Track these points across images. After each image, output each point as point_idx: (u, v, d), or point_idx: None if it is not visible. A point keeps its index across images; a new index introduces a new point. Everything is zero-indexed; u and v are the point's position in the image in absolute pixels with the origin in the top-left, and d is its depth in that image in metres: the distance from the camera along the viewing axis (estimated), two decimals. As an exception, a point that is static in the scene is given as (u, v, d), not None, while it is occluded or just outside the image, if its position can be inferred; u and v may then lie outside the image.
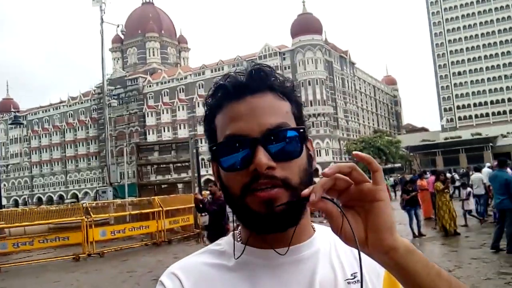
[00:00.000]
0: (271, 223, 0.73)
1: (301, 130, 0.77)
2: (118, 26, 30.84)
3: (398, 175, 45.63)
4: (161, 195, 19.30)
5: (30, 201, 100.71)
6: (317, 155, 74.80)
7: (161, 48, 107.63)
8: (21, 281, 10.73)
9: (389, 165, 63.01)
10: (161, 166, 25.57)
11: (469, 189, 14.28)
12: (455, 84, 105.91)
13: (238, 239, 0.85)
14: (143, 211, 16.31)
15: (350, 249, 0.82)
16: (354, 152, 0.73)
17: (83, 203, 17.09)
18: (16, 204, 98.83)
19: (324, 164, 65.55)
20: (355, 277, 0.81)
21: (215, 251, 0.86)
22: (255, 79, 0.79)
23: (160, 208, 15.88)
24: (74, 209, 15.02)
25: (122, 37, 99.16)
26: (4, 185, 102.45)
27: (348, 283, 0.80)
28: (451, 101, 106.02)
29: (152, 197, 17.26)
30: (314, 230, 0.87)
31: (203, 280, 0.80)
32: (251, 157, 0.73)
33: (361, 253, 0.64)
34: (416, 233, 12.07)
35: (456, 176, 24.54)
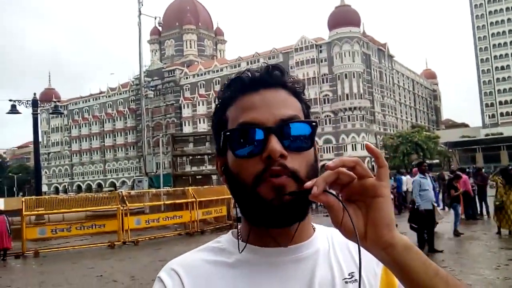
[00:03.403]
0: (279, 215, 0.73)
1: (313, 124, 0.78)
2: (155, 18, 31.25)
3: (437, 173, 44.53)
4: (195, 185, 19.52)
5: (70, 188, 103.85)
6: (353, 150, 73.88)
7: (198, 40, 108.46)
8: (58, 266, 11.06)
9: (427, 161, 61.53)
10: (196, 157, 25.85)
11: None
12: (497, 79, 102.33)
13: (239, 237, 0.85)
14: (177, 201, 16.53)
15: (347, 248, 0.85)
16: (365, 143, 0.75)
17: (120, 191, 17.44)
18: (56, 191, 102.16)
19: (360, 159, 64.48)
20: (352, 276, 0.81)
21: (215, 248, 0.86)
22: (270, 75, 0.82)
23: (194, 199, 16.04)
24: (110, 197, 15.35)
25: (160, 29, 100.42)
26: (45, 172, 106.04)
27: (346, 282, 0.81)
28: (493, 97, 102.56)
29: (186, 188, 17.45)
30: (314, 230, 0.88)
31: (203, 277, 0.80)
32: (264, 145, 0.74)
33: (361, 248, 0.65)
34: (460, 231, 11.61)
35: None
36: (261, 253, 0.81)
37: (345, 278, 0.81)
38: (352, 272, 0.82)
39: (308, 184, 0.67)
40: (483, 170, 20.52)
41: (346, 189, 0.67)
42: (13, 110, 21.76)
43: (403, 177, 19.54)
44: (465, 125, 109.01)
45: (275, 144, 0.73)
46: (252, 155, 0.75)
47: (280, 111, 0.78)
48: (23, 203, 13.29)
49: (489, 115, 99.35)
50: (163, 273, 0.82)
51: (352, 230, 0.64)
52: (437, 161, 66.71)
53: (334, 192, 0.67)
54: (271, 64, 0.84)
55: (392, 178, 19.18)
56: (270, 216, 0.74)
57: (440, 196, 18.81)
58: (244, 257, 0.81)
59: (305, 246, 0.83)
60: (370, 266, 0.81)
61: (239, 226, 0.87)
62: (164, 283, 0.80)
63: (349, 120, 76.26)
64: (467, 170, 19.81)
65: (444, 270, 0.66)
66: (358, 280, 0.68)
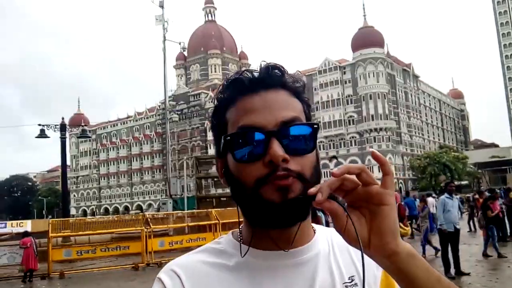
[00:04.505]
0: (281, 213, 0.73)
1: (315, 126, 0.77)
2: (180, 44, 31.87)
3: (467, 195, 43.50)
4: (219, 207, 19.54)
5: (97, 211, 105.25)
6: (379, 171, 72.50)
7: (222, 65, 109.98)
8: (83, 287, 11.17)
9: (456, 182, 60.26)
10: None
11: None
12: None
13: (239, 239, 0.84)
14: (200, 223, 16.56)
15: (348, 252, 0.84)
16: (371, 149, 0.73)
17: (144, 213, 17.61)
18: (84, 214, 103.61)
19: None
20: (352, 280, 0.81)
21: (215, 250, 0.85)
22: (270, 75, 0.80)
23: (217, 221, 16.05)
24: (134, 219, 15.51)
25: (186, 54, 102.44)
26: (74, 195, 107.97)
27: (346, 286, 0.80)
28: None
29: (209, 210, 17.50)
30: (315, 232, 0.87)
31: (203, 279, 0.79)
32: (266, 149, 0.73)
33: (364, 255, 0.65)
34: (489, 253, 11.31)
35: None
36: (262, 256, 0.80)
37: (345, 282, 0.81)
38: (352, 276, 0.82)
39: (313, 190, 0.66)
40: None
41: (351, 195, 0.67)
42: (42, 135, 22.36)
43: (429, 199, 19.10)
44: (495, 145, 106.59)
45: (276, 148, 0.72)
46: (253, 160, 0.74)
47: (281, 113, 0.76)
48: (50, 225, 13.56)
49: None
50: (162, 274, 0.82)
51: (355, 238, 0.64)
52: (466, 182, 65.26)
53: (338, 199, 0.67)
54: (270, 64, 0.82)
55: (418, 199, 18.63)
56: (272, 215, 0.73)
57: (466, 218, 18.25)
58: (245, 260, 0.80)
59: (306, 249, 0.82)
60: (370, 269, 0.80)
61: (240, 227, 0.86)
62: (164, 283, 0.79)
63: (375, 141, 75.51)
64: (497, 191, 19.31)
65: (446, 279, 0.67)
66: (362, 282, 0.67)
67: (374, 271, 0.82)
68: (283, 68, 0.83)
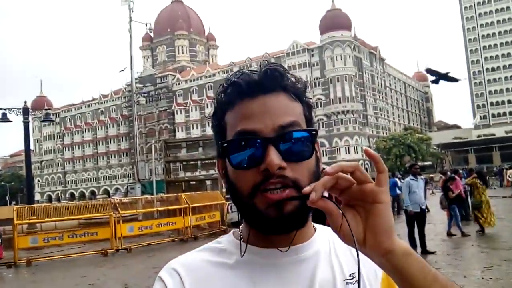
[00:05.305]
0: (278, 226, 0.73)
1: (313, 132, 0.77)
2: (146, 25, 31.24)
3: (430, 174, 44.71)
4: (189, 191, 19.45)
5: (63, 196, 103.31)
6: (346, 153, 74.16)
7: (190, 46, 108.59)
8: (50, 275, 10.98)
9: (420, 163, 61.85)
10: (189, 163, 25.76)
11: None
12: (488, 80, 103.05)
13: (240, 237, 0.85)
14: (170, 207, 16.46)
15: (348, 249, 0.83)
16: (364, 148, 0.73)
17: (112, 199, 17.36)
18: (49, 199, 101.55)
19: (353, 162, 64.78)
20: (353, 277, 0.81)
21: (215, 249, 0.86)
22: (269, 78, 0.79)
23: (187, 205, 15.98)
24: (102, 205, 15.26)
25: (152, 35, 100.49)
26: (38, 180, 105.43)
27: (347, 283, 0.80)
28: (484, 98, 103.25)
29: (179, 194, 17.39)
30: (315, 230, 0.87)
31: (204, 277, 0.80)
32: (262, 156, 0.73)
33: (360, 253, 0.65)
34: (453, 232, 11.75)
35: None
36: (262, 254, 0.81)
37: (346, 279, 0.81)
38: (353, 273, 0.82)
39: (307, 189, 0.66)
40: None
41: (345, 193, 0.66)
42: (4, 119, 21.62)
43: (395, 180, 19.58)
44: (457, 127, 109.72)
45: (273, 156, 0.72)
46: (249, 167, 0.74)
47: (279, 118, 0.76)
48: (15, 212, 13.18)
49: (480, 116, 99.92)
50: (163, 273, 0.82)
51: (350, 236, 0.64)
52: (429, 162, 67.11)
53: (333, 198, 0.67)
54: (270, 66, 0.81)
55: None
56: (267, 226, 0.74)
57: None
58: (245, 258, 0.81)
59: (306, 247, 0.82)
60: (371, 268, 0.79)
61: (240, 227, 0.87)
62: (165, 282, 0.80)
63: (342, 123, 76.61)
64: (460, 171, 19.90)
65: (443, 276, 0.67)
66: (358, 280, 0.68)
67: (375, 268, 0.79)
68: (284, 69, 0.81)
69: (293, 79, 0.82)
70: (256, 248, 0.81)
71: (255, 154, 0.74)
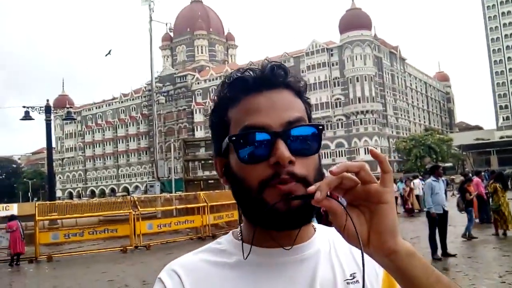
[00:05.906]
0: (287, 220, 0.73)
1: (320, 127, 0.77)
2: (166, 24, 31.46)
3: (451, 176, 44.02)
4: (207, 190, 19.54)
5: (83, 193, 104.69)
6: (365, 153, 73.39)
7: (209, 46, 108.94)
8: (71, 271, 11.14)
9: (440, 164, 60.93)
10: (208, 162, 25.85)
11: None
12: (511, 80, 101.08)
13: (239, 238, 0.84)
14: (188, 205, 16.57)
15: (349, 249, 0.83)
16: (369, 148, 0.72)
17: (131, 196, 17.54)
18: (70, 196, 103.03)
19: (373, 162, 64.23)
20: (354, 277, 0.81)
21: (215, 249, 0.85)
22: (275, 75, 0.79)
23: (205, 203, 16.06)
24: (122, 202, 15.44)
25: (172, 35, 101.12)
26: (60, 178, 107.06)
27: (348, 283, 0.80)
28: (507, 98, 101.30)
29: (198, 192, 17.49)
30: (315, 230, 0.87)
31: (204, 278, 0.79)
32: (271, 150, 0.73)
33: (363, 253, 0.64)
34: (474, 235, 11.60)
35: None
36: (262, 254, 0.80)
37: (346, 279, 0.81)
38: (354, 273, 0.81)
39: (312, 188, 0.65)
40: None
41: (350, 193, 0.66)
42: (27, 117, 22.04)
43: (416, 181, 19.34)
44: (479, 128, 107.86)
45: (283, 150, 0.72)
46: (258, 161, 0.74)
47: (286, 113, 0.76)
48: (36, 208, 13.43)
49: (503, 117, 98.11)
50: (163, 274, 0.82)
51: (355, 236, 0.64)
52: (450, 164, 66.12)
53: (338, 197, 0.67)
54: (274, 63, 0.81)
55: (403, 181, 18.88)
56: (275, 221, 0.73)
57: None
58: (246, 258, 0.80)
59: (306, 246, 0.82)
60: (372, 268, 0.80)
61: (240, 227, 0.87)
62: (164, 283, 0.80)
63: (361, 123, 75.90)
64: (482, 173, 19.54)
65: (446, 277, 0.66)
66: (362, 280, 0.66)
67: (376, 268, 0.80)
68: (287, 67, 0.82)
69: (295, 78, 0.83)
70: (257, 248, 0.80)
71: (264, 148, 0.73)
